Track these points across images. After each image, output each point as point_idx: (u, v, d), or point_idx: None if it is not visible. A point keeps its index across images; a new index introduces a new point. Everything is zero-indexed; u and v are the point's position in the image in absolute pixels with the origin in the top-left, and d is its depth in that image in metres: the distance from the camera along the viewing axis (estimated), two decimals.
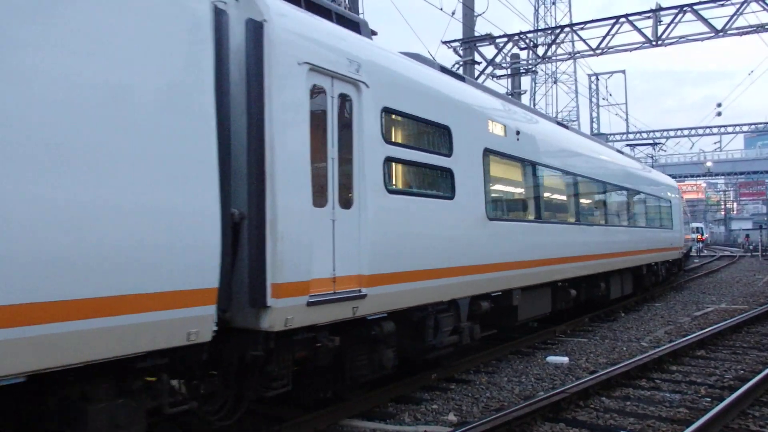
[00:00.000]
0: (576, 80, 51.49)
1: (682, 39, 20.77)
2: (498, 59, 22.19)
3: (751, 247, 59.60)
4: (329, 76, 6.00)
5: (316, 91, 5.88)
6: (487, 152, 8.81)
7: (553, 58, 24.41)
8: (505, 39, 21.97)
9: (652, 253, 18.00)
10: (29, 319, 3.62)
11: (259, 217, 5.17)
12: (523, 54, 23.18)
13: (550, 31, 23.96)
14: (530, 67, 23.96)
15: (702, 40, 20.48)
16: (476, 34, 21.25)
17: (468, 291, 8.19)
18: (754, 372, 8.69)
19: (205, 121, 4.72)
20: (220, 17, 4.91)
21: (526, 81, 50.61)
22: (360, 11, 16.51)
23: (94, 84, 4.02)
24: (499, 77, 22.45)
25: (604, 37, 21.27)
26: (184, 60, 4.67)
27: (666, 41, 20.50)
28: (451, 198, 7.84)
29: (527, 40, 22.56)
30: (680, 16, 19.96)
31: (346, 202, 6.18)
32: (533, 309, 10.40)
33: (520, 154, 9.96)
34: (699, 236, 54.68)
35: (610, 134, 47.67)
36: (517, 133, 9.85)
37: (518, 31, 22.13)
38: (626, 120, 52.54)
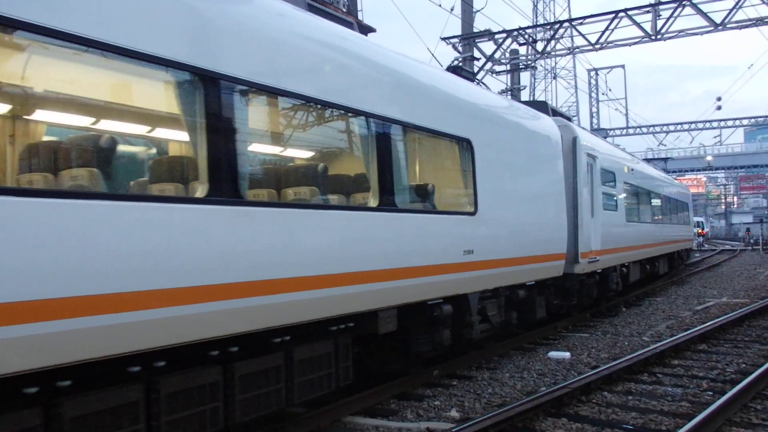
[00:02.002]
0: (575, 75, 51.36)
1: (682, 33, 20.70)
2: (497, 55, 22.11)
3: (752, 240, 59.57)
4: (589, 155, 12.72)
5: (586, 163, 12.41)
6: (624, 183, 15.88)
7: (553, 53, 24.36)
8: (504, 35, 21.86)
9: (680, 243, 25.04)
10: (520, 263, 9.32)
11: (575, 222, 11.73)
12: (522, 50, 23.11)
13: (549, 27, 23.87)
14: (529, 62, 23.92)
15: (701, 33, 20.39)
16: (475, 30, 21.21)
17: (619, 261, 14.89)
18: (756, 365, 8.71)
19: (562, 184, 11.23)
20: (561, 138, 11.48)
21: (525, 77, 50.46)
22: (359, 8, 16.48)
23: (537, 168, 10.41)
24: (498, 73, 22.42)
25: (603, 32, 21.17)
26: (558, 159, 11.21)
27: (665, 35, 20.43)
28: (616, 210, 14.75)
29: (526, 36, 22.49)
30: (679, 10, 19.87)
31: (593, 214, 12.54)
32: (633, 275, 16.86)
33: (633, 182, 17.14)
34: (700, 230, 54.71)
35: (610, 129, 47.59)
36: (632, 170, 17.13)
37: (517, 27, 22.01)
38: (626, 115, 52.48)
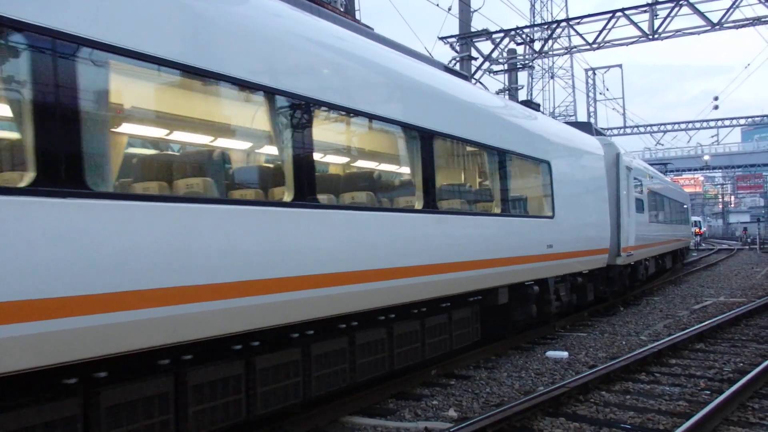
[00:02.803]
0: (573, 75, 51.25)
1: (679, 33, 20.76)
2: (495, 55, 22.14)
3: (748, 240, 59.70)
4: (627, 167, 15.23)
5: (626, 174, 15.06)
6: (648, 189, 18.52)
7: (550, 53, 24.41)
8: (502, 34, 21.88)
9: (682, 241, 27.87)
10: (580, 255, 12.10)
11: (618, 221, 14.37)
12: (520, 49, 23.16)
13: (546, 26, 23.88)
14: (527, 62, 23.95)
15: (698, 33, 20.45)
16: (473, 29, 21.22)
17: (644, 256, 17.65)
18: (753, 364, 8.72)
19: (606, 191, 13.82)
20: (605, 154, 14.21)
21: (522, 76, 50.46)
22: (356, 8, 16.47)
23: (589, 180, 13.07)
24: (495, 73, 22.43)
25: (601, 32, 21.22)
26: (603, 171, 13.84)
27: (663, 35, 20.48)
28: (643, 213, 17.34)
29: (524, 36, 22.51)
30: (676, 9, 19.91)
31: (629, 216, 15.02)
32: (651, 268, 19.54)
33: (652, 187, 19.76)
34: (697, 230, 54.80)
35: (607, 128, 47.59)
36: (651, 177, 20.07)
37: (515, 27, 22.03)
38: (623, 114, 52.51)
